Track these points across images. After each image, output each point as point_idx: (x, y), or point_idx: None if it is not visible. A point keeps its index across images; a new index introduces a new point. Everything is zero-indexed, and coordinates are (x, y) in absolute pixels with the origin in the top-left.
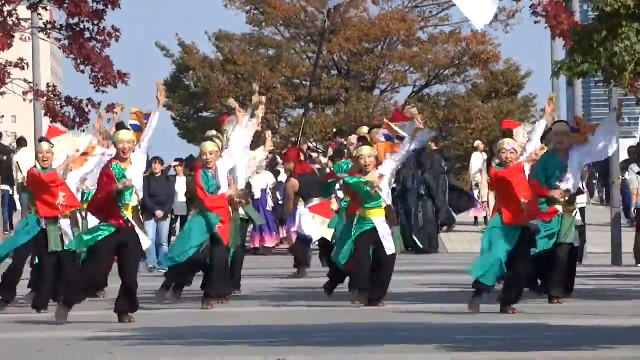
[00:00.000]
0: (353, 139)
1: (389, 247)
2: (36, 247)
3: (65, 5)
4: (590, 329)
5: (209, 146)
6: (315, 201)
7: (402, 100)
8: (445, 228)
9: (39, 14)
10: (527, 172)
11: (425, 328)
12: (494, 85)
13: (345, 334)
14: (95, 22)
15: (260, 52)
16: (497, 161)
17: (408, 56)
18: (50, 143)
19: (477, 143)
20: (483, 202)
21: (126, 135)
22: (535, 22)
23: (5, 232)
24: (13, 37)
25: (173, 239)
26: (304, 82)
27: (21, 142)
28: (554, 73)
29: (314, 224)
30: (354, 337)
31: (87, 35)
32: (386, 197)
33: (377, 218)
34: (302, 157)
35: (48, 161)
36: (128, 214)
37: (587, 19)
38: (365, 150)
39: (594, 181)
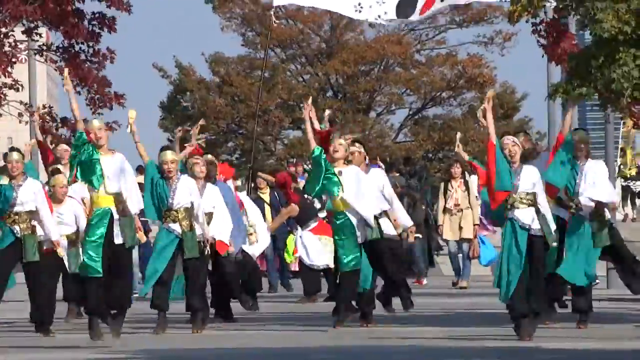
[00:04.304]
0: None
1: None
2: (14, 256)
3: (62, 28)
4: (581, 352)
5: (169, 155)
6: (313, 224)
7: (398, 123)
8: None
9: (35, 36)
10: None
11: (418, 351)
12: None
13: (340, 356)
14: (91, 44)
15: (255, 74)
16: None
17: (404, 79)
18: (21, 153)
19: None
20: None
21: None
22: (539, 44)
23: None
24: (13, 62)
25: None
26: (300, 105)
27: None
28: (549, 95)
29: (319, 246)
30: (348, 359)
31: (83, 56)
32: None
33: (349, 210)
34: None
35: (17, 171)
36: (110, 206)
37: (583, 42)
38: (338, 140)
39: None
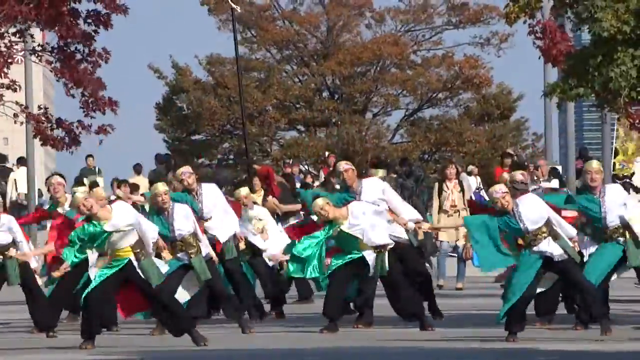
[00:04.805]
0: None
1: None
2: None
3: (56, 28)
4: (579, 353)
5: (160, 187)
6: (293, 220)
7: (394, 124)
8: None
9: (31, 35)
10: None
11: (414, 352)
12: (485, 108)
13: (336, 357)
14: (86, 44)
15: (251, 75)
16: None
17: (400, 79)
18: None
19: (471, 168)
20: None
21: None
22: (535, 45)
23: None
24: (9, 62)
25: None
26: (296, 105)
27: (21, 161)
28: (545, 94)
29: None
30: None
31: (78, 56)
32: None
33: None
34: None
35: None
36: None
37: (580, 43)
38: (317, 203)
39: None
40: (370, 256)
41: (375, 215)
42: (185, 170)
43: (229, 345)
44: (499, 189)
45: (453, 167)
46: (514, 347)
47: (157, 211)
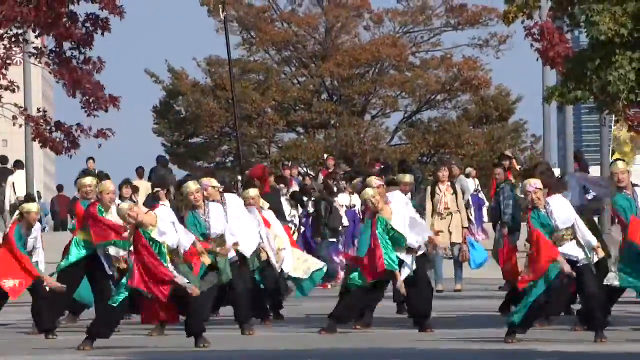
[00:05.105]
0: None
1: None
2: None
3: (54, 32)
4: (577, 355)
5: (192, 186)
6: None
7: (393, 126)
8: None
9: (26, 41)
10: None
11: (414, 353)
12: (484, 110)
13: (338, 358)
14: (82, 51)
15: (250, 77)
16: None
17: (399, 81)
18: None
19: (469, 170)
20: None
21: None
22: (533, 48)
23: None
24: (8, 64)
25: None
26: (295, 107)
27: (18, 164)
28: (545, 99)
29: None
30: None
31: (74, 63)
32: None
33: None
34: (267, 176)
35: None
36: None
37: (578, 45)
38: (368, 192)
39: None
40: (408, 259)
41: (411, 221)
42: (205, 183)
43: (228, 346)
44: (534, 184)
45: (445, 170)
46: (513, 348)
47: (191, 209)
